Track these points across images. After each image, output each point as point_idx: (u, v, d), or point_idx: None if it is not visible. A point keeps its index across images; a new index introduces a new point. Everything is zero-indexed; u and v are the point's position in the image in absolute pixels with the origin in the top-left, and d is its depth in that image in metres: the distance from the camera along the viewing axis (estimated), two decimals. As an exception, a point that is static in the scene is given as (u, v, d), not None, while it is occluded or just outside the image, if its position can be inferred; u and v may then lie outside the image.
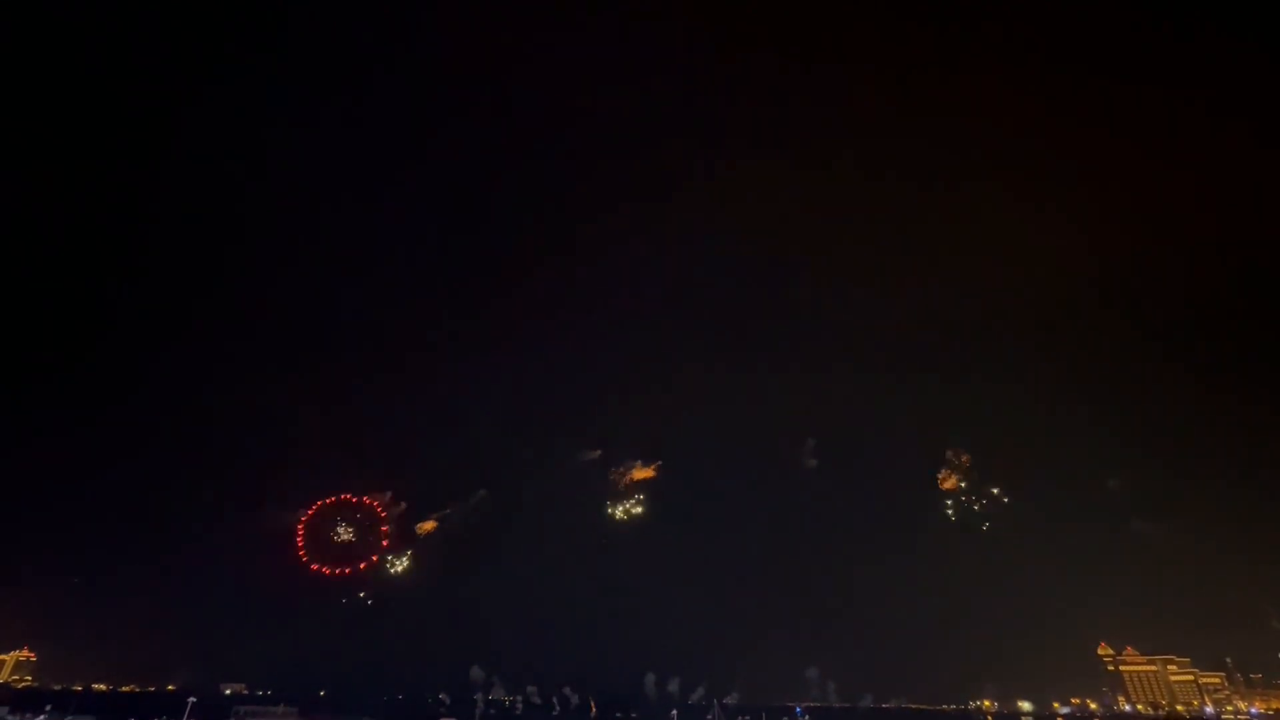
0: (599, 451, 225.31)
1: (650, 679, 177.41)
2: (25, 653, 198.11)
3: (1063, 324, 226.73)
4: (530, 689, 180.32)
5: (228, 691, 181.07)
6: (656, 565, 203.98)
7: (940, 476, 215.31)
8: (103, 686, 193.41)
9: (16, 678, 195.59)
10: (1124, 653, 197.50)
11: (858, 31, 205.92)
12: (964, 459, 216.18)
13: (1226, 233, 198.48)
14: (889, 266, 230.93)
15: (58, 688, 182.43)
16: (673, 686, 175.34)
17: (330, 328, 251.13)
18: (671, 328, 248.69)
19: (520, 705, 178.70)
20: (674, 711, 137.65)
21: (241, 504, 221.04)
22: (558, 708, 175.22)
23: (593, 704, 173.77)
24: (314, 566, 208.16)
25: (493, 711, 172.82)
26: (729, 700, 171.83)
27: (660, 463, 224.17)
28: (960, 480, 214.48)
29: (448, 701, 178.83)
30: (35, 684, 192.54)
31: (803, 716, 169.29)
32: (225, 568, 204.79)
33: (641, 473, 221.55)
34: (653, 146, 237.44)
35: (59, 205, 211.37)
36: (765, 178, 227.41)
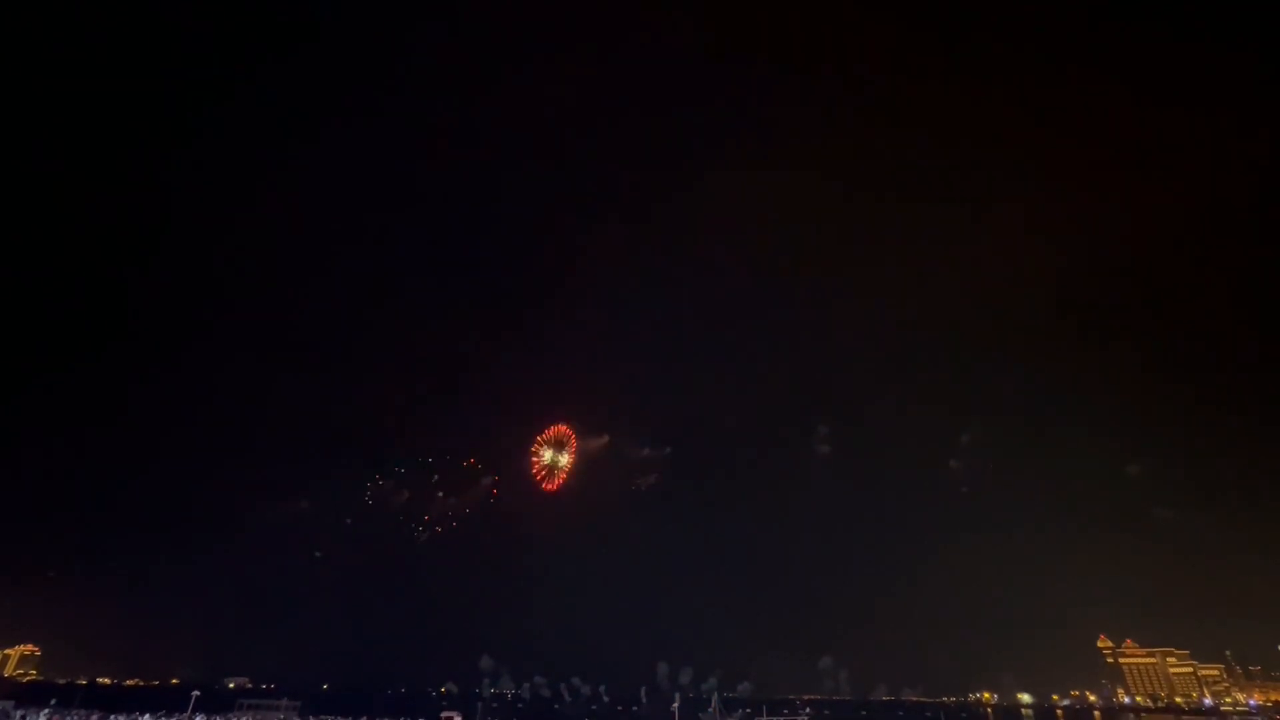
0: (607, 438, 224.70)
1: (663, 669, 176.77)
2: (30, 647, 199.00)
3: (1075, 317, 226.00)
4: (539, 679, 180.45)
5: (231, 685, 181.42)
6: (668, 556, 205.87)
7: (953, 466, 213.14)
8: (107, 680, 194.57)
9: (21, 672, 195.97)
10: (1124, 645, 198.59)
11: (866, 39, 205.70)
12: (978, 452, 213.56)
13: (1252, 220, 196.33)
14: (905, 251, 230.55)
15: (62, 682, 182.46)
16: (685, 677, 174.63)
17: (335, 331, 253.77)
18: (683, 319, 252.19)
19: (526, 696, 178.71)
20: (674, 706, 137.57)
21: (244, 501, 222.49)
22: (567, 697, 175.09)
23: (604, 694, 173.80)
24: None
25: (495, 704, 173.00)
26: (737, 693, 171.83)
27: (669, 450, 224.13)
28: (971, 470, 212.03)
29: (455, 691, 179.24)
30: (40, 678, 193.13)
31: (803, 709, 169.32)
32: (230, 564, 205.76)
33: (647, 480, 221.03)
34: (665, 144, 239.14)
35: (87, 212, 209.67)
36: (779, 173, 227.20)
